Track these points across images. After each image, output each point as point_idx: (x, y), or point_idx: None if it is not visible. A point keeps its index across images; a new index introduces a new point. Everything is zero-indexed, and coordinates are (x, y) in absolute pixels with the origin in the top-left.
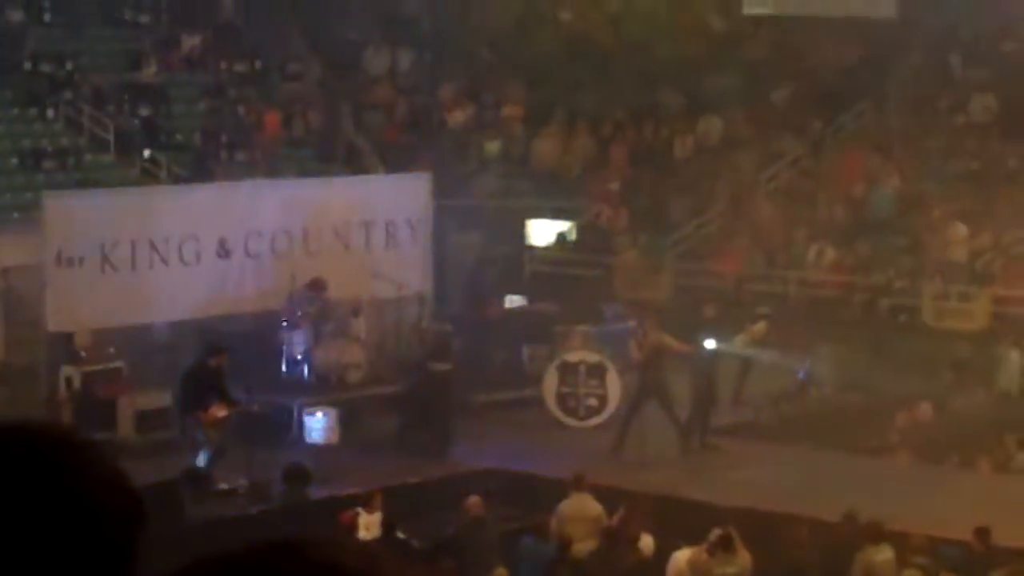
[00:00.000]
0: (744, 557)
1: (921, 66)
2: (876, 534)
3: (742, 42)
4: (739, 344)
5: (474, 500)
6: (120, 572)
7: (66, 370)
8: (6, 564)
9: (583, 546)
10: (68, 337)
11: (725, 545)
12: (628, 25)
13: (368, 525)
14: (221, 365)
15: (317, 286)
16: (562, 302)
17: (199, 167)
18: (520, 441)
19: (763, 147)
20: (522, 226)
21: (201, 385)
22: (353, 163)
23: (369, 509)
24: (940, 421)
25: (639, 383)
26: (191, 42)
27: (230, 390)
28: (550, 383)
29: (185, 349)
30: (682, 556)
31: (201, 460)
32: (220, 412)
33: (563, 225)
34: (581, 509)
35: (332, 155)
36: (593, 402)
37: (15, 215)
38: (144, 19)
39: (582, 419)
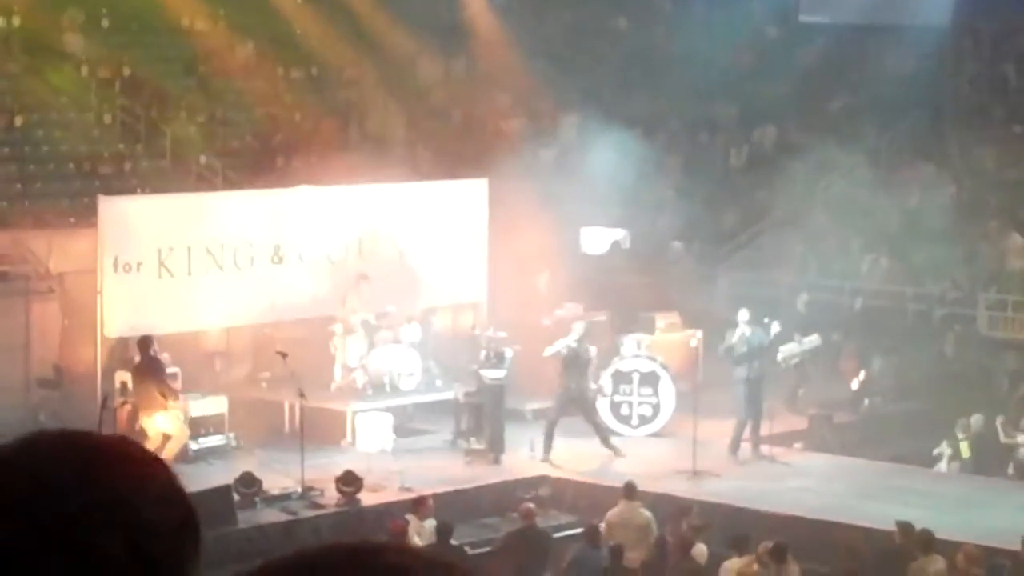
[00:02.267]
0: (793, 569)
1: (976, 74)
2: (928, 544)
3: (797, 50)
4: (789, 352)
5: (527, 507)
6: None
7: (120, 375)
8: None
9: (633, 555)
10: (123, 342)
11: (777, 556)
12: (683, 33)
13: (420, 531)
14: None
15: (362, 279)
16: (615, 310)
17: (255, 173)
18: (573, 448)
19: (818, 156)
20: (576, 234)
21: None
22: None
23: (420, 515)
24: (992, 431)
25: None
26: (247, 47)
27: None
28: (604, 391)
29: (241, 355)
30: (733, 566)
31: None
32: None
33: (617, 233)
34: (629, 517)
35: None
36: (646, 411)
37: (72, 220)
38: (200, 25)
39: (635, 427)
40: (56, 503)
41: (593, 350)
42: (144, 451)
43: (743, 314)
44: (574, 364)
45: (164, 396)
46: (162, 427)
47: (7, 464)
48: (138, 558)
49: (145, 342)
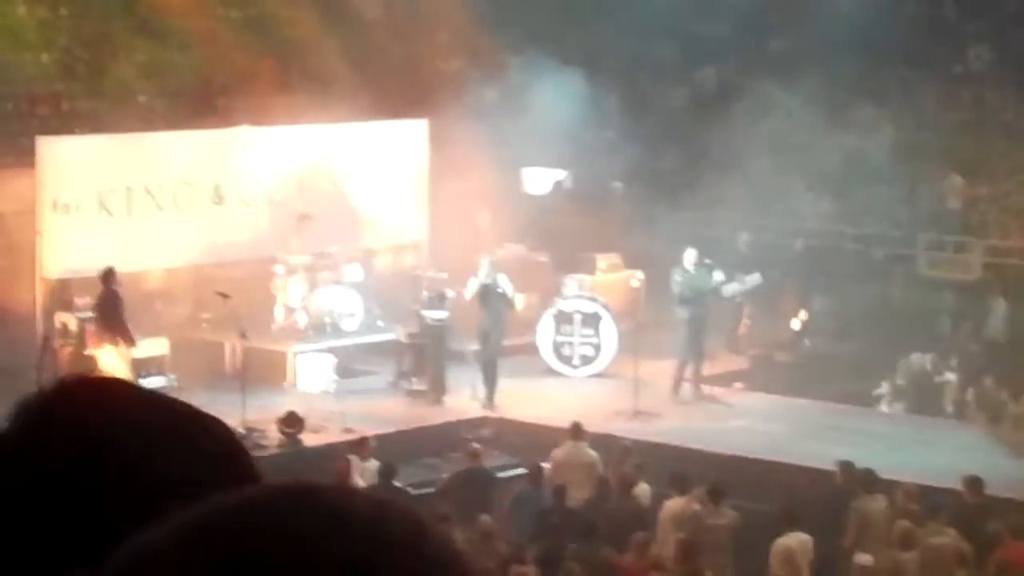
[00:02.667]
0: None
1: (916, 15)
2: (870, 483)
3: None
4: (730, 292)
5: (473, 447)
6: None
7: (61, 316)
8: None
9: (578, 494)
10: (63, 284)
11: (714, 496)
12: None
13: (362, 472)
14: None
15: (305, 219)
16: (556, 250)
17: (195, 113)
18: (515, 389)
19: (759, 97)
20: (518, 174)
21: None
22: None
23: (362, 456)
24: (933, 371)
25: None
26: None
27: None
28: (545, 331)
29: (181, 296)
30: (673, 505)
31: None
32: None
33: (559, 173)
34: (576, 456)
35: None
36: (588, 351)
37: (9, 160)
38: None
39: (576, 368)
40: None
41: (505, 284)
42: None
43: (689, 255)
44: (485, 300)
45: (120, 336)
46: (110, 365)
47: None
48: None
49: (108, 275)
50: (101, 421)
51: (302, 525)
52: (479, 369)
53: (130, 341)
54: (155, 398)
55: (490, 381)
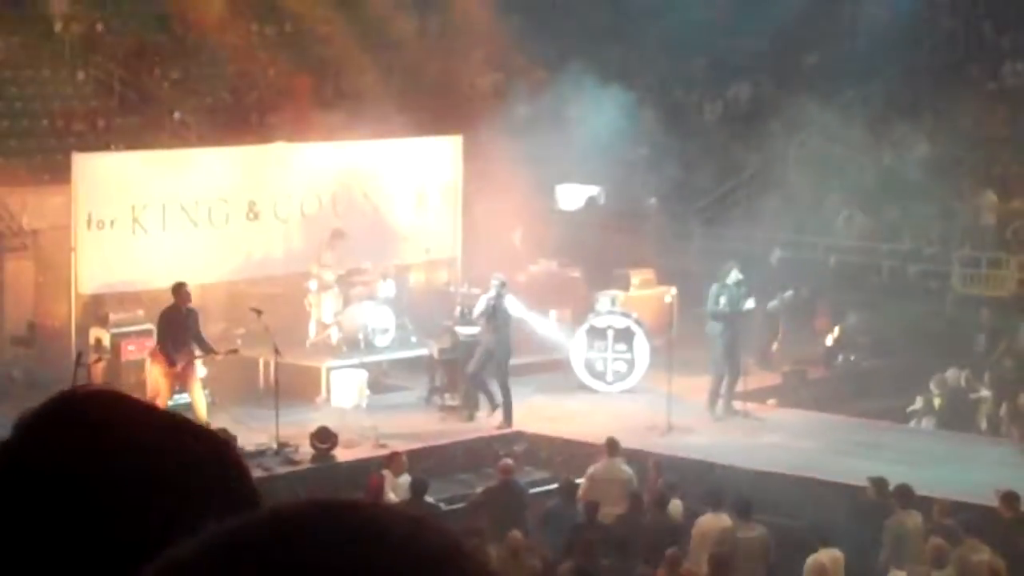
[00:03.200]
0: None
1: (952, 31)
2: (906, 499)
3: (772, 5)
4: (768, 310)
5: (505, 462)
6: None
7: (95, 332)
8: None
9: (613, 510)
10: (98, 299)
11: (743, 511)
12: None
13: (394, 487)
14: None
15: (338, 236)
16: (590, 266)
17: (229, 129)
18: (547, 405)
19: (793, 112)
20: (551, 190)
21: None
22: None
23: (395, 471)
24: (967, 388)
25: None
26: (220, 3)
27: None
28: (578, 347)
29: (215, 312)
30: (707, 521)
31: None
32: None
33: (592, 189)
34: (613, 473)
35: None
36: (621, 367)
37: (46, 177)
38: None
39: (610, 383)
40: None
41: (513, 305)
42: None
43: (733, 272)
44: (491, 319)
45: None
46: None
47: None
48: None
49: (176, 290)
50: (98, 434)
51: (337, 541)
52: (473, 385)
53: (171, 360)
54: (155, 412)
55: (507, 401)
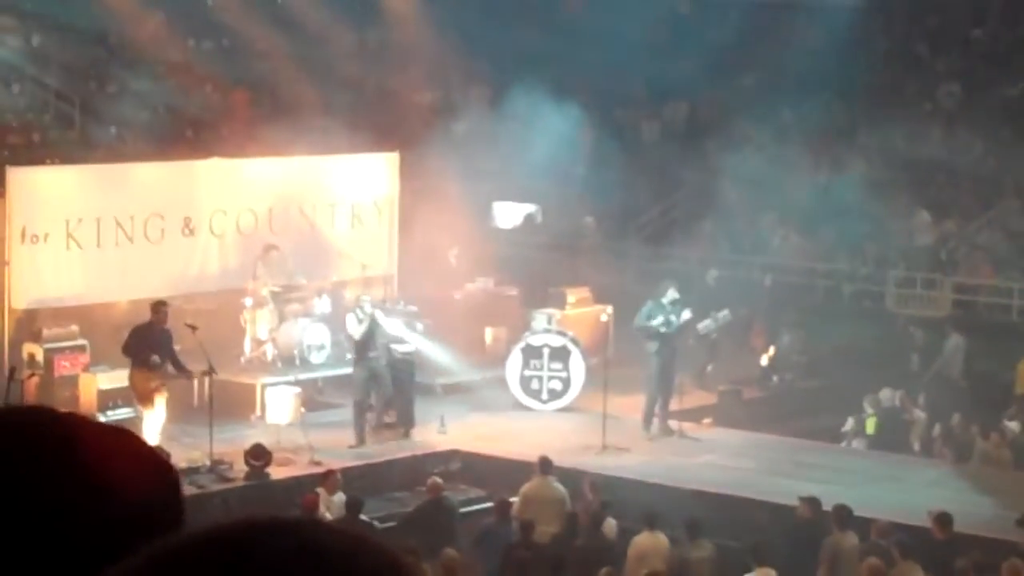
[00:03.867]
0: (706, 545)
1: (888, 52)
2: (844, 519)
3: (709, 26)
4: (705, 329)
5: (434, 481)
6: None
7: (28, 347)
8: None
9: (547, 529)
10: (31, 314)
11: (691, 531)
12: (595, 7)
13: (329, 505)
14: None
15: (270, 250)
16: (526, 284)
17: (165, 144)
18: (483, 423)
19: (729, 132)
20: (488, 208)
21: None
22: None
23: (329, 489)
24: (901, 408)
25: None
26: (157, 18)
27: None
28: (513, 365)
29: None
30: (643, 541)
31: (151, 435)
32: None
33: (529, 207)
34: (545, 492)
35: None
36: (556, 385)
37: None
38: None
39: (545, 402)
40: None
41: (383, 321)
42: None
43: (670, 290)
44: (370, 339)
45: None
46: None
47: None
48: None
49: (155, 308)
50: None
51: (279, 559)
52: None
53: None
54: (99, 428)
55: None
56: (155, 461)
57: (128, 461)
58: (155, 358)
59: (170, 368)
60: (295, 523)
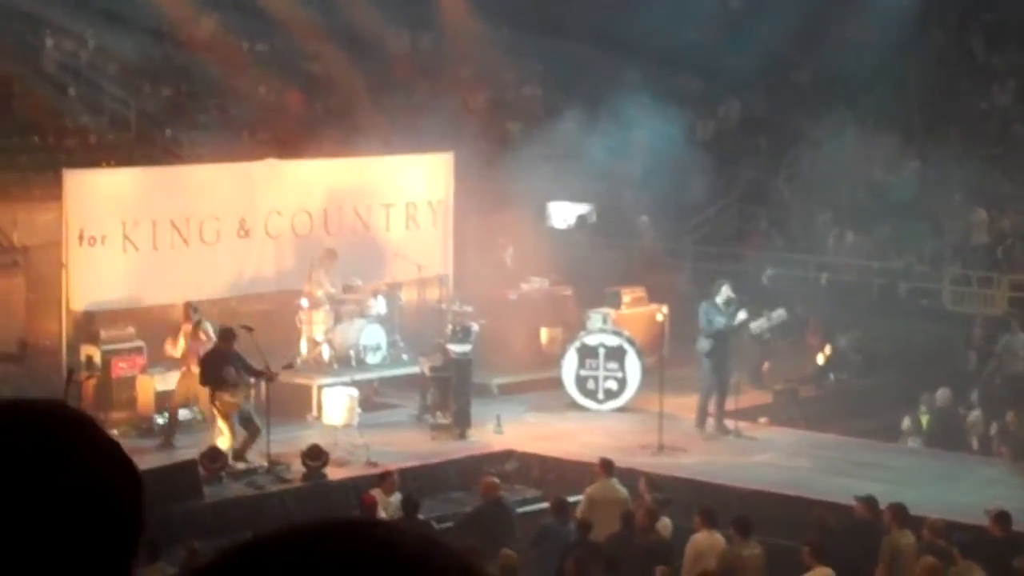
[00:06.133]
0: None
1: (943, 48)
2: (901, 518)
3: (762, 23)
4: (758, 328)
5: (491, 481)
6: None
7: (86, 349)
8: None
9: (604, 530)
10: (88, 316)
11: (741, 529)
12: (647, 5)
13: (386, 506)
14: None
15: (330, 256)
16: (581, 284)
17: (220, 146)
18: (539, 423)
19: (783, 130)
20: (543, 207)
21: (216, 366)
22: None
23: (386, 489)
24: (957, 406)
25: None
26: (211, 20)
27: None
28: (569, 365)
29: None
30: (701, 539)
31: (222, 441)
32: (228, 396)
33: (584, 207)
34: (610, 493)
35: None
36: (612, 385)
37: (36, 193)
38: None
39: (601, 402)
40: (18, 474)
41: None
42: (82, 414)
43: (724, 289)
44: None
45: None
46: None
47: None
48: (92, 515)
49: (224, 334)
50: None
51: (352, 560)
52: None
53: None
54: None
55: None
56: (119, 456)
57: (93, 453)
58: (230, 371)
59: (248, 379)
60: (370, 525)
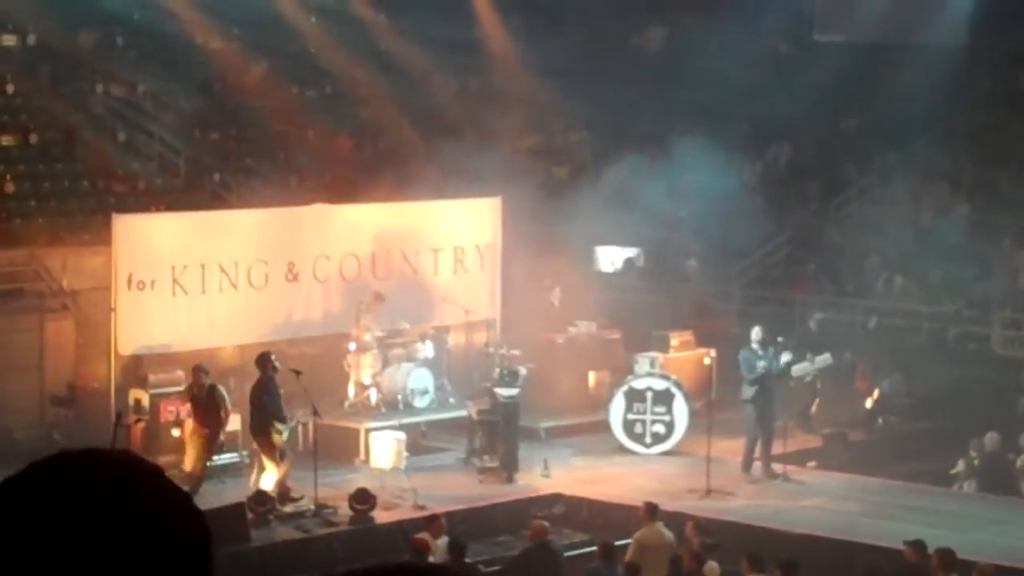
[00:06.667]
0: None
1: (991, 93)
2: (949, 563)
3: (811, 68)
4: (801, 371)
5: (539, 524)
6: None
7: (134, 393)
8: None
9: (652, 574)
10: (137, 360)
11: (789, 572)
12: (696, 50)
13: (434, 549)
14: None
15: (378, 299)
16: (629, 328)
17: (269, 191)
18: (586, 467)
19: (832, 174)
20: (590, 251)
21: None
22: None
23: (433, 533)
24: (1007, 450)
25: None
26: (261, 66)
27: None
28: (617, 409)
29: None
30: None
31: (267, 483)
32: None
33: (631, 251)
34: (658, 538)
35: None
36: (660, 429)
37: (86, 237)
38: (214, 43)
39: (648, 446)
40: (87, 522)
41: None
42: (154, 466)
43: (755, 332)
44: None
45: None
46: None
47: (34, 485)
48: (161, 567)
49: (261, 360)
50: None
51: None
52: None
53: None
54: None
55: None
56: (190, 506)
57: (167, 503)
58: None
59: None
60: (430, 570)
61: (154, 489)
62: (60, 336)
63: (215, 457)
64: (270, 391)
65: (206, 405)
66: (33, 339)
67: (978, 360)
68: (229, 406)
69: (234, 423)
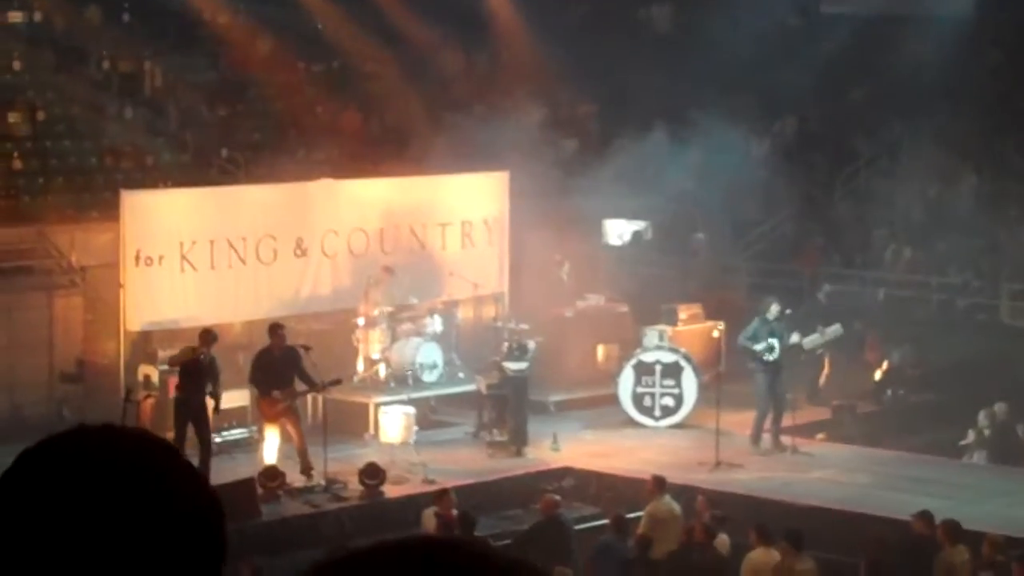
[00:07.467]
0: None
1: (998, 64)
2: (955, 534)
3: (818, 40)
4: (811, 344)
5: (549, 497)
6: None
7: (144, 369)
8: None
9: (662, 547)
10: (146, 336)
11: (795, 543)
12: (703, 22)
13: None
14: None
15: (387, 274)
16: (637, 301)
17: (276, 166)
18: (596, 440)
19: (839, 146)
20: (599, 225)
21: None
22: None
23: (443, 507)
24: (1015, 421)
25: None
26: (268, 41)
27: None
28: (626, 382)
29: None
30: (757, 556)
31: (270, 455)
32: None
33: (639, 224)
34: (667, 510)
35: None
36: (669, 402)
37: (94, 214)
38: (221, 19)
39: (657, 419)
40: (104, 493)
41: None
42: (169, 443)
43: (774, 309)
44: (187, 374)
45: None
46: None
47: (54, 457)
48: (178, 541)
49: (272, 330)
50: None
51: (455, 572)
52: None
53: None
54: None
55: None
56: (203, 482)
57: (182, 480)
58: (276, 393)
59: (300, 385)
60: (457, 543)
61: (169, 465)
62: (69, 313)
63: (224, 433)
64: (274, 363)
65: (202, 373)
66: (42, 316)
67: (987, 331)
68: (220, 387)
69: (244, 398)
